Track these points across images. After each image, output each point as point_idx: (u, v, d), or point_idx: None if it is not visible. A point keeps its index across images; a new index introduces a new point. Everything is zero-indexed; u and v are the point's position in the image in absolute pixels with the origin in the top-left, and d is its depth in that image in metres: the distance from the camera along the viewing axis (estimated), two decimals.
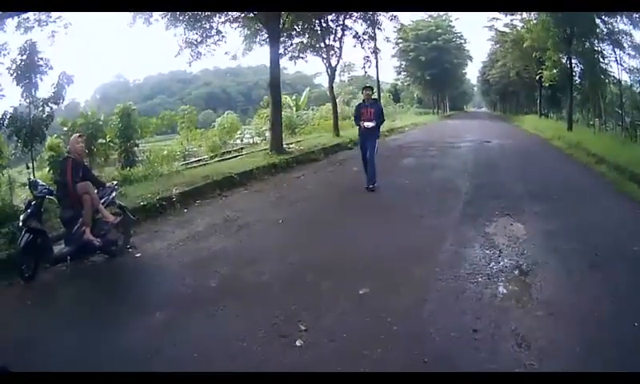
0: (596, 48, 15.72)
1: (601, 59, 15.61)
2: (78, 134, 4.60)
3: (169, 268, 4.03)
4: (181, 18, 10.23)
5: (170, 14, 9.79)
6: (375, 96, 7.88)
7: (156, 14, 9.70)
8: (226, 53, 12.50)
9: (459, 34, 35.35)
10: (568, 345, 2.51)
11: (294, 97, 25.46)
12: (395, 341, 2.60)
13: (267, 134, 16.52)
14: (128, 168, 8.09)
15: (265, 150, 11.26)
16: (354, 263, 3.86)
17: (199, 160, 12.42)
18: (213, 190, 7.02)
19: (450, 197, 6.30)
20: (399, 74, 37.39)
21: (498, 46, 30.16)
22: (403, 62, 34.58)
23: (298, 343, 2.60)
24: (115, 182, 4.92)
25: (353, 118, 7.36)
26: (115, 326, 2.93)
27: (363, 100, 7.34)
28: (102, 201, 4.33)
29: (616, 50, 14.89)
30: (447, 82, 37.45)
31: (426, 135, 14.92)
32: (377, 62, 19.98)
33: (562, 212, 5.33)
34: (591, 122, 17.75)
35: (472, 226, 4.80)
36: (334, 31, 14.44)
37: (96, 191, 4.28)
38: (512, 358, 2.39)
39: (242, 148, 15.92)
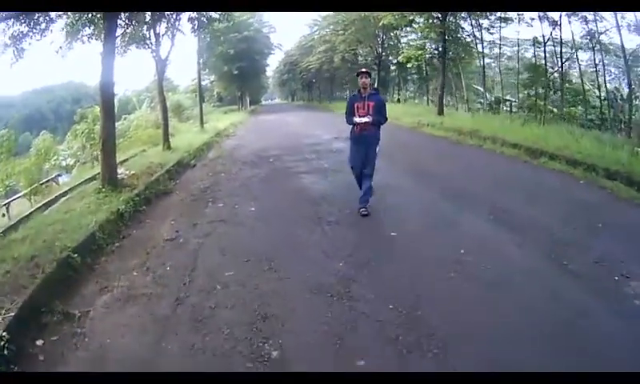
0: (461, 25, 15.85)
1: (464, 35, 15.90)
2: None
3: None
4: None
5: None
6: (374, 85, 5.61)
7: None
8: (51, 42, 9.01)
9: (267, 23, 33.22)
10: None
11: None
12: None
13: (83, 156, 14.34)
14: None
15: (92, 180, 8.17)
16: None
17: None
18: (51, 307, 3.12)
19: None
20: (204, 70, 31.66)
21: (326, 30, 29.57)
22: (205, 57, 28.67)
23: None
24: None
25: (345, 115, 5.29)
26: None
27: (359, 90, 5.11)
28: None
29: (478, 19, 15.22)
30: (253, 74, 34.73)
31: (265, 138, 12.84)
32: (199, 59, 18.95)
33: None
34: (451, 103, 18.04)
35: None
36: (167, 17, 11.30)
37: None
38: None
39: (58, 175, 13.38)
